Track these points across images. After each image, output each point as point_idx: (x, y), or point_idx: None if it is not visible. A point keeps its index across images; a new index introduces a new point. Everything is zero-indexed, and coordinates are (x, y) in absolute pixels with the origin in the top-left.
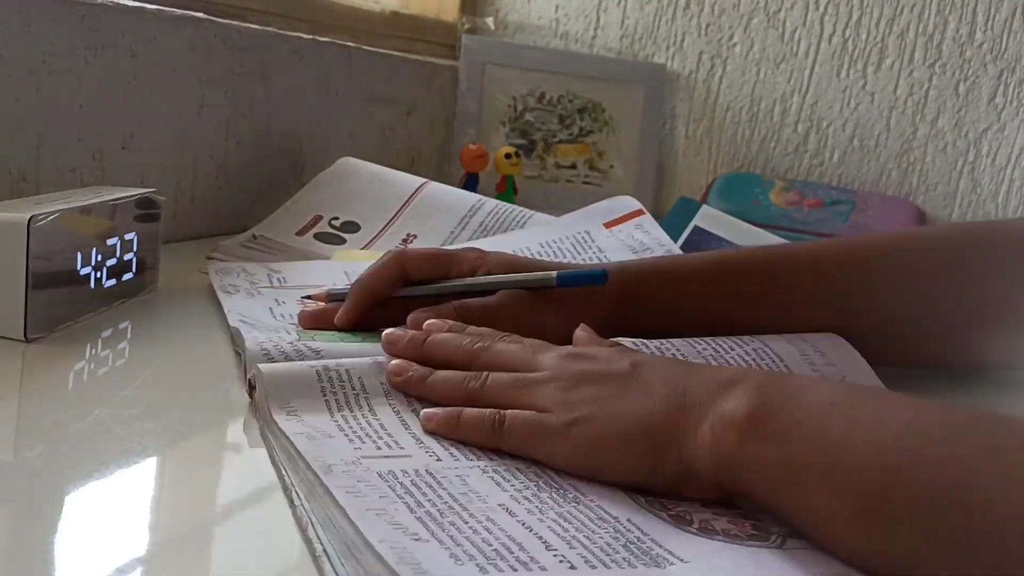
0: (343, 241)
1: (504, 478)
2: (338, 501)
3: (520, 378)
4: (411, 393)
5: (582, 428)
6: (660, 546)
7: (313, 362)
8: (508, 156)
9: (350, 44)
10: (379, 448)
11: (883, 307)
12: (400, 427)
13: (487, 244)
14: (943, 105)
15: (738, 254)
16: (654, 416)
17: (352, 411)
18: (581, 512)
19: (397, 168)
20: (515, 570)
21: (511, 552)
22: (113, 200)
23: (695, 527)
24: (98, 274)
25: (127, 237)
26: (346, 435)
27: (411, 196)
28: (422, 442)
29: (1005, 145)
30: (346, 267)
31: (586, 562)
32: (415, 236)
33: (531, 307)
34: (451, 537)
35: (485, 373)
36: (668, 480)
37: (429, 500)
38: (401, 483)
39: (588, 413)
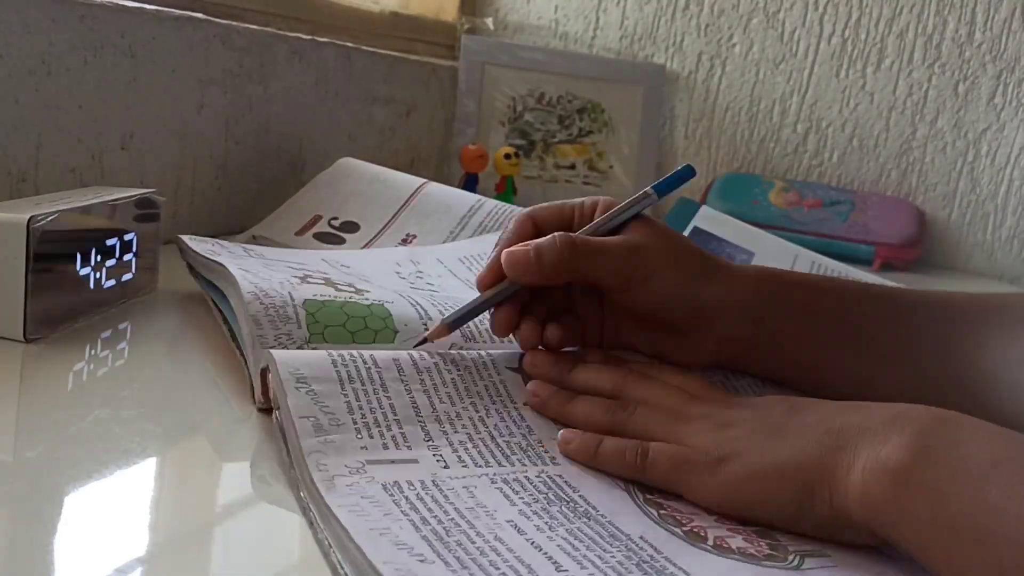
0: (343, 241)
1: (513, 489)
2: (341, 522)
3: (670, 413)
4: (548, 415)
5: (732, 465)
6: (673, 563)
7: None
8: (507, 156)
9: (349, 44)
10: (386, 447)
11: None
12: (410, 411)
13: (466, 245)
14: (942, 105)
15: (881, 285)
16: (807, 455)
17: (363, 384)
18: (592, 529)
19: (397, 168)
20: None
21: (519, 575)
22: (113, 200)
23: (710, 544)
24: (98, 275)
25: (127, 237)
26: (354, 419)
27: (410, 196)
28: (430, 437)
29: (1004, 145)
30: (323, 254)
31: None
32: (415, 236)
33: (651, 262)
34: (458, 559)
35: (634, 404)
36: (818, 523)
37: (435, 517)
38: (406, 497)
39: (739, 450)
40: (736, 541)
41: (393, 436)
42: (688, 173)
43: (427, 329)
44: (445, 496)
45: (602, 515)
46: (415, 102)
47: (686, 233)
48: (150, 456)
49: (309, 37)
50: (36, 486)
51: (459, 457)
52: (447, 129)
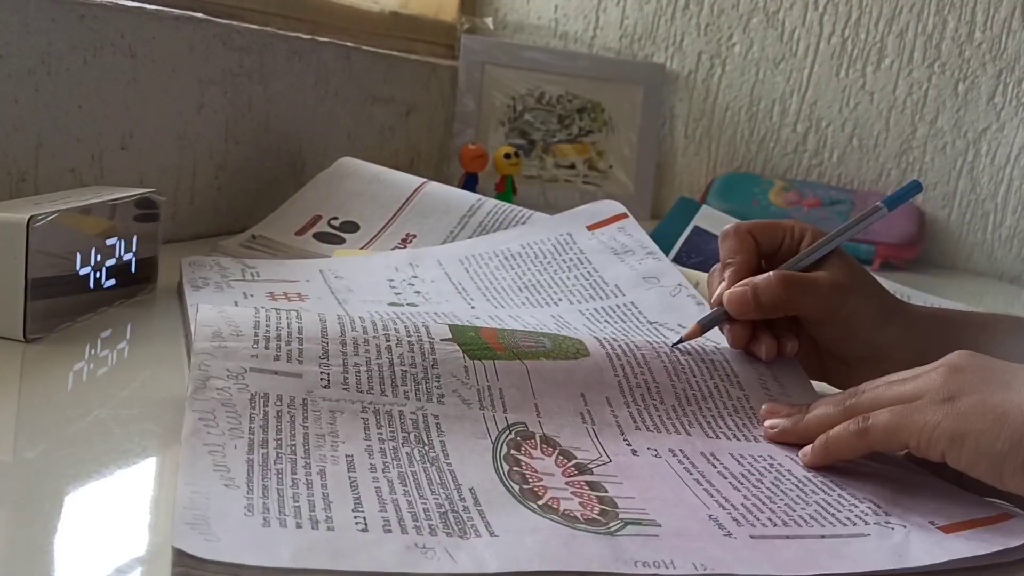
0: (342, 241)
1: (378, 421)
2: (183, 431)
3: (899, 391)
4: (788, 442)
5: (959, 400)
6: (483, 517)
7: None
8: (507, 156)
9: (349, 44)
10: (277, 358)
11: None
12: (317, 331)
13: (467, 245)
14: (942, 105)
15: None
16: None
17: (279, 313)
18: (427, 475)
19: (396, 168)
20: (299, 527)
21: (312, 509)
22: (112, 200)
23: (540, 503)
24: (97, 274)
25: (126, 237)
26: (256, 332)
27: (410, 196)
28: (326, 355)
29: (1004, 145)
30: (320, 265)
31: (383, 526)
32: (415, 236)
33: (849, 303)
34: (264, 486)
35: (862, 391)
36: (1020, 466)
37: (278, 439)
38: (266, 411)
39: (966, 389)
40: (572, 503)
41: (290, 350)
42: (916, 187)
43: None
44: (305, 416)
45: (449, 463)
46: (415, 102)
47: (687, 233)
48: (150, 456)
49: (309, 37)
50: (36, 486)
51: (345, 379)
52: (447, 129)
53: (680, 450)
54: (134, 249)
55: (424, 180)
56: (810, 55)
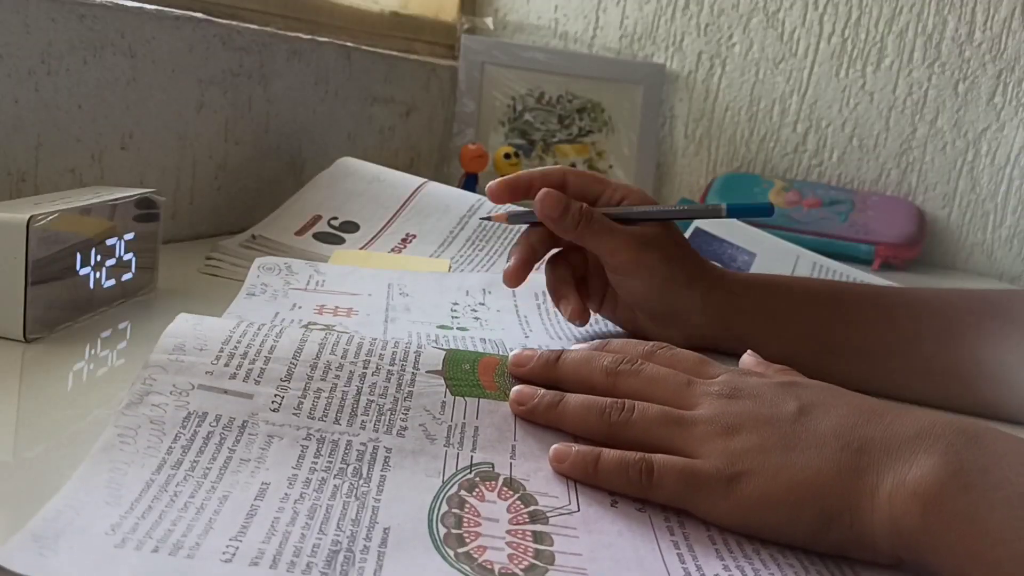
0: (342, 241)
1: (318, 451)
2: (98, 443)
3: (672, 415)
4: (539, 423)
5: (745, 486)
6: (379, 560)
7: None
8: (507, 156)
9: (349, 44)
10: (233, 376)
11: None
12: (290, 351)
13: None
14: (942, 105)
15: (851, 283)
16: (824, 477)
17: (260, 329)
18: (345, 508)
19: (396, 168)
20: (155, 551)
21: (184, 535)
22: (112, 200)
23: (460, 550)
24: (97, 274)
25: (126, 237)
26: (222, 348)
27: (410, 196)
28: (289, 378)
29: (1004, 145)
30: (391, 279)
31: (253, 558)
32: (415, 236)
33: (646, 257)
34: (149, 507)
35: (630, 403)
36: (836, 544)
37: (195, 460)
38: (195, 431)
39: (750, 467)
40: (498, 555)
41: (251, 369)
42: (767, 211)
43: None
44: (237, 439)
45: (378, 499)
46: (415, 102)
47: (687, 234)
48: None
49: (309, 37)
50: (36, 486)
51: (299, 403)
52: (447, 129)
53: (675, 510)
54: (134, 249)
55: (424, 180)
56: (810, 55)
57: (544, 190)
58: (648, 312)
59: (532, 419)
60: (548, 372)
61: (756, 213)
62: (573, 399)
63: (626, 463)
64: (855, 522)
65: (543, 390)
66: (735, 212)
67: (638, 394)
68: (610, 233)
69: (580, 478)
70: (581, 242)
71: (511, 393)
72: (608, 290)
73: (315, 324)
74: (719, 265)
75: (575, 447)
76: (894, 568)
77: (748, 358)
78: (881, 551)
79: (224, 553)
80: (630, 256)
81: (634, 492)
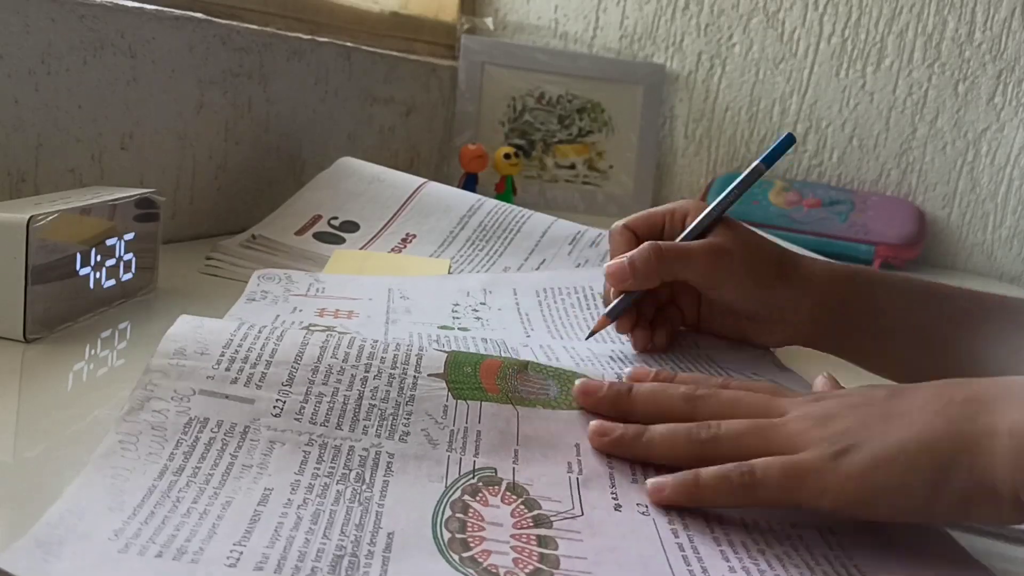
0: (342, 241)
1: (320, 456)
2: (99, 448)
3: (760, 422)
4: (626, 457)
5: (853, 456)
6: (383, 565)
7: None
8: (507, 156)
9: (349, 44)
10: (234, 381)
11: None
12: (291, 355)
13: (548, 277)
14: (942, 105)
15: (944, 284)
16: (935, 427)
17: (260, 330)
18: (348, 513)
19: (396, 168)
20: (159, 556)
21: (188, 539)
22: (112, 200)
23: (464, 555)
24: (97, 274)
25: (126, 237)
26: (223, 352)
27: (410, 196)
28: (290, 382)
29: (1004, 145)
30: (391, 283)
31: (258, 563)
32: (414, 236)
33: (725, 264)
34: (151, 513)
35: (715, 421)
36: (955, 501)
37: (197, 467)
38: (198, 437)
39: (855, 441)
40: (503, 559)
41: (252, 373)
42: (790, 140)
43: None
44: (239, 445)
45: (381, 504)
46: (415, 102)
47: None
48: None
49: (309, 37)
50: (36, 486)
51: (301, 408)
52: (447, 129)
53: (678, 511)
54: (134, 249)
55: (424, 180)
56: (810, 55)
57: (606, 266)
58: (748, 315)
59: (617, 451)
60: (620, 403)
61: (784, 149)
62: (658, 428)
63: (726, 472)
64: (975, 464)
65: (622, 424)
66: (770, 160)
67: (719, 416)
68: (684, 258)
69: (684, 501)
70: (667, 279)
71: (590, 425)
72: (704, 307)
73: (316, 326)
74: (810, 254)
75: (670, 476)
76: (988, 533)
77: (821, 380)
78: (1004, 500)
79: (228, 558)
80: (709, 269)
81: (739, 500)
